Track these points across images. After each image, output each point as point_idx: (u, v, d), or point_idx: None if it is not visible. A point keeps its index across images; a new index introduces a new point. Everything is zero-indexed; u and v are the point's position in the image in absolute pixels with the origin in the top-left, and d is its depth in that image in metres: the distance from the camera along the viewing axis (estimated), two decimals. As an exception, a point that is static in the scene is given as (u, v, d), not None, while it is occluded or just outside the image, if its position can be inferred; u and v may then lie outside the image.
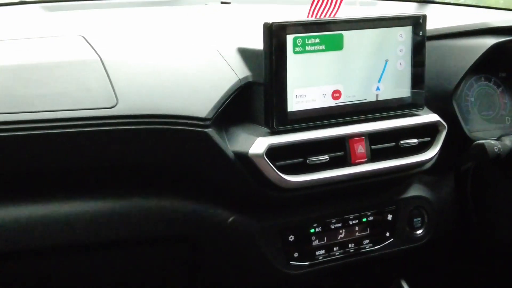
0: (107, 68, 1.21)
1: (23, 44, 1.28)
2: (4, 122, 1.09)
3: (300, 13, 1.32)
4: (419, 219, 1.44)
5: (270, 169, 1.19)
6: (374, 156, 1.29)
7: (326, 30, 1.22)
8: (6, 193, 1.14)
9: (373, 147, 1.28)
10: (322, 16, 1.28)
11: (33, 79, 1.16)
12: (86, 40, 1.29)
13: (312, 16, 1.29)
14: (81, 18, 1.65)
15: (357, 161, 1.27)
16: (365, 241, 1.38)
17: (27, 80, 1.16)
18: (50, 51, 1.26)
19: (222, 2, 1.92)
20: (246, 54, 1.27)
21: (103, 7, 1.81)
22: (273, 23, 1.16)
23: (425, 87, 1.33)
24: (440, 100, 1.41)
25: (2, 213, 1.13)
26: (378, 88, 1.29)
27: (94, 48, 1.26)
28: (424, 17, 1.31)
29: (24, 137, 1.10)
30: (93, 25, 1.55)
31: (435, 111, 1.36)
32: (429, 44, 1.33)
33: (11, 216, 1.14)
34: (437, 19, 1.54)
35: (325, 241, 1.33)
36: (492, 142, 1.34)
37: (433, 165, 1.39)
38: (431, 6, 2.00)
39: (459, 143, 1.43)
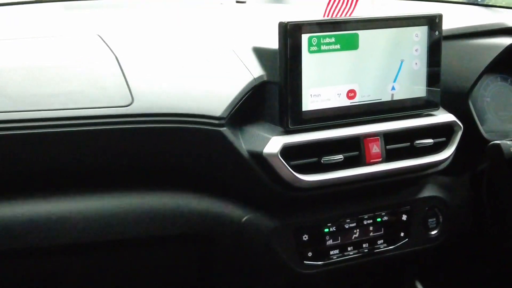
0: (122, 67, 1.22)
1: (40, 43, 1.29)
2: (20, 119, 1.10)
3: (316, 13, 1.31)
4: (434, 219, 1.43)
5: (285, 168, 1.19)
6: (389, 156, 1.28)
7: (341, 29, 1.21)
8: (21, 190, 1.14)
9: (388, 147, 1.28)
10: (338, 15, 1.28)
11: (49, 77, 1.17)
12: (102, 39, 1.30)
13: (328, 16, 1.28)
14: (98, 16, 1.66)
15: (371, 161, 1.26)
16: (379, 241, 1.37)
17: (44, 78, 1.17)
18: (67, 50, 1.27)
19: (237, 1, 1.92)
20: (261, 54, 1.27)
21: (120, 6, 1.82)
22: (288, 22, 1.16)
23: (441, 87, 1.33)
24: (456, 100, 1.41)
25: (16, 210, 1.14)
26: (393, 88, 1.28)
27: (110, 47, 1.27)
28: (440, 16, 1.30)
29: (40, 135, 1.10)
30: (109, 24, 1.56)
31: (450, 111, 1.36)
32: (445, 44, 1.33)
33: (25, 213, 1.14)
34: (453, 18, 1.53)
35: (339, 241, 1.33)
36: (508, 142, 1.33)
37: (449, 166, 1.39)
38: (446, 5, 1.99)
39: (475, 143, 1.42)
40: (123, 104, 1.16)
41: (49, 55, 1.23)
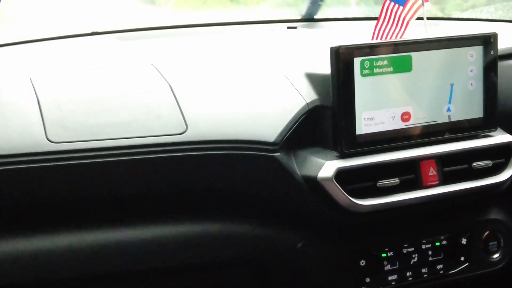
0: (176, 95, 1.23)
1: (96, 74, 1.32)
2: (80, 150, 1.12)
3: (366, 36, 1.31)
4: (495, 243, 1.39)
5: (340, 193, 1.18)
6: (446, 179, 1.26)
7: (394, 51, 1.21)
8: (84, 219, 1.17)
9: (445, 169, 1.26)
10: (388, 37, 1.27)
11: (106, 107, 1.19)
12: (156, 68, 1.32)
13: (377, 38, 1.28)
14: (152, 46, 1.69)
15: (428, 184, 1.24)
16: (439, 266, 1.34)
17: (100, 109, 1.19)
18: (122, 80, 1.30)
19: (288, 27, 1.93)
20: (313, 78, 1.27)
21: (172, 36, 1.85)
22: (340, 46, 1.16)
23: (498, 107, 1.30)
24: None
25: (82, 239, 1.16)
26: (449, 109, 1.26)
27: (164, 76, 1.29)
28: (495, 36, 1.28)
29: (98, 164, 1.12)
30: (163, 53, 1.59)
31: (509, 132, 1.33)
32: (501, 63, 1.30)
33: (84, 241, 1.17)
34: (508, 37, 1.50)
35: (397, 266, 1.31)
36: None
37: (509, 187, 1.35)
38: (500, 24, 1.96)
39: None
40: (177, 132, 1.17)
41: (105, 86, 1.26)
